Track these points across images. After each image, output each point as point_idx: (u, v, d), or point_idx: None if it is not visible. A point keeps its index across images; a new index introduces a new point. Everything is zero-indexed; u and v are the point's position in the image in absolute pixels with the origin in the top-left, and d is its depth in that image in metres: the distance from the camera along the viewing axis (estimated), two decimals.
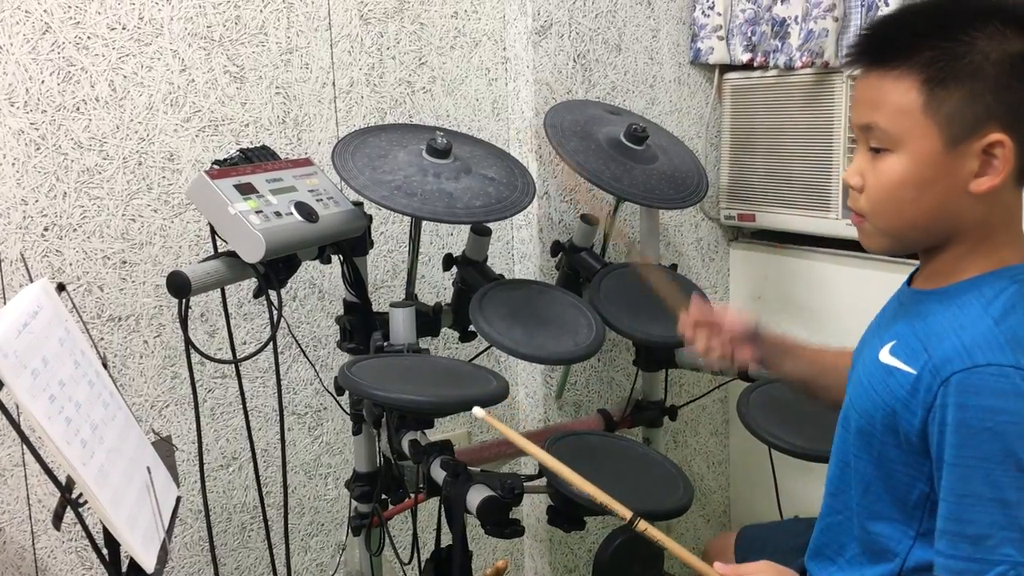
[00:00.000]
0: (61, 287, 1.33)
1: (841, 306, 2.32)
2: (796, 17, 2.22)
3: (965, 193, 1.06)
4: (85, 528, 1.17)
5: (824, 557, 1.26)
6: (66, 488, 1.15)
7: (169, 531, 1.28)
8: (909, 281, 1.22)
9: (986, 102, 1.03)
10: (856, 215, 1.16)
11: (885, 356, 1.12)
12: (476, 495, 1.49)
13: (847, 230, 2.22)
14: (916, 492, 1.11)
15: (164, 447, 1.47)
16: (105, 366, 1.36)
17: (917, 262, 1.20)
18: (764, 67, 2.36)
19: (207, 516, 1.71)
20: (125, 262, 1.94)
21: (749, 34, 2.35)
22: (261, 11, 2.02)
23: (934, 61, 1.04)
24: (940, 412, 1.03)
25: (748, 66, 2.40)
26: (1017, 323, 1.04)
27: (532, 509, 2.41)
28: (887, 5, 2.02)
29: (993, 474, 1.00)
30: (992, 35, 1.03)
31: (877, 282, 2.13)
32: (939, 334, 1.06)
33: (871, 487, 1.16)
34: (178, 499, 1.39)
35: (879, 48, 1.09)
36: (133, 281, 1.95)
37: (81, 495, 1.13)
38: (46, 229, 1.86)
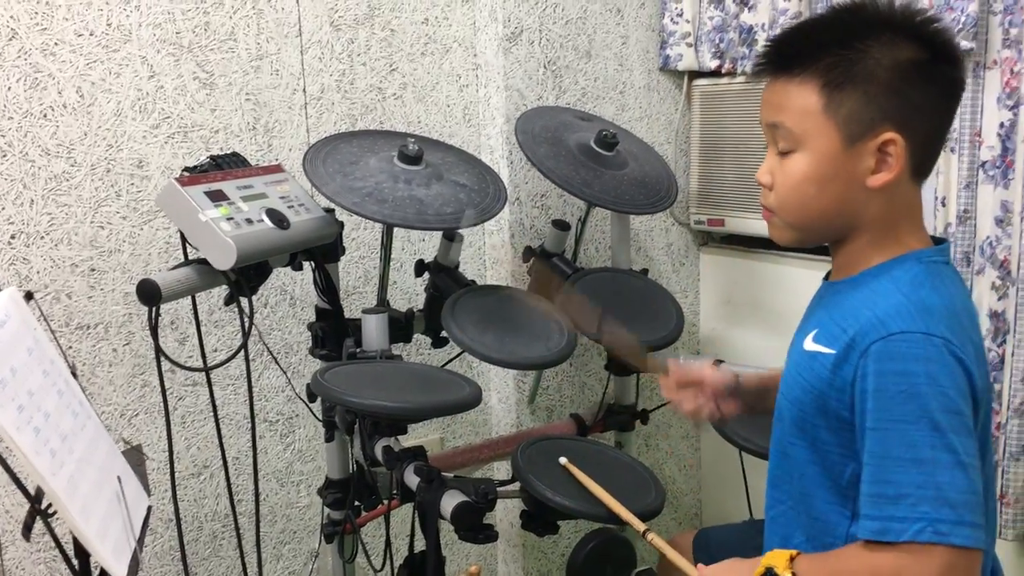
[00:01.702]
0: (29, 295, 1.32)
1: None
2: (763, 24, 2.25)
3: (863, 188, 1.16)
4: (55, 538, 1.16)
5: (774, 527, 1.31)
6: (35, 498, 1.14)
7: (140, 541, 1.27)
8: (826, 277, 1.31)
9: (879, 104, 1.12)
10: (766, 210, 1.25)
11: (808, 344, 1.20)
12: (450, 501, 1.49)
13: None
14: (848, 472, 1.16)
15: (134, 456, 1.46)
16: (74, 375, 1.34)
17: None
18: (732, 73, 2.38)
19: (178, 525, 1.69)
20: (94, 270, 1.92)
21: (717, 41, 2.38)
22: (231, 17, 2.01)
23: (833, 67, 1.13)
24: (861, 382, 1.10)
25: (716, 73, 2.42)
26: (926, 295, 1.12)
27: (505, 514, 2.42)
28: None
29: (909, 434, 1.06)
30: (885, 43, 1.12)
31: None
32: (854, 313, 1.14)
33: (807, 473, 1.21)
34: (149, 508, 1.38)
35: (784, 56, 1.19)
36: (102, 289, 1.93)
37: (51, 505, 1.12)
38: (13, 237, 1.84)
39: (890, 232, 1.18)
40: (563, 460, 1.61)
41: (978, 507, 1.06)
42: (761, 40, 2.25)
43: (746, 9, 2.28)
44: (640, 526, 1.41)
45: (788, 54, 1.18)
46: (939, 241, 1.22)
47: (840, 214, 1.18)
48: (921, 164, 1.17)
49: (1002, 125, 1.85)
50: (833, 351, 1.14)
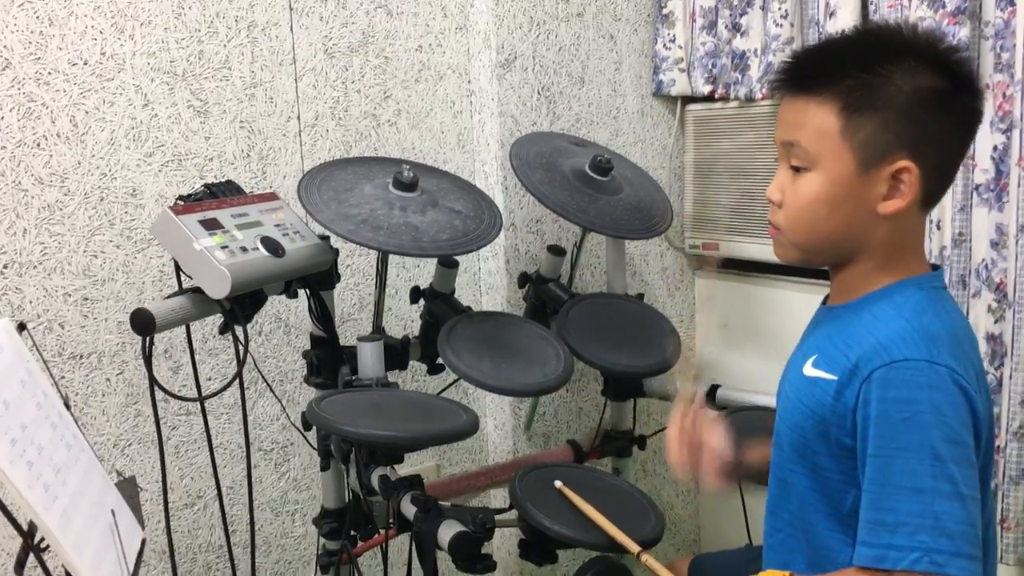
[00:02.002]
0: (22, 326, 1.30)
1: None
2: (755, 50, 2.26)
3: (873, 213, 1.15)
4: (47, 574, 1.14)
5: (773, 554, 1.29)
6: (28, 533, 1.12)
7: (134, 574, 1.25)
8: (824, 301, 1.30)
9: (896, 131, 1.11)
10: (773, 228, 1.23)
11: (808, 369, 1.19)
12: (447, 530, 1.48)
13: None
14: (849, 499, 1.15)
15: (128, 488, 1.44)
16: (67, 406, 1.33)
17: None
18: (725, 99, 2.39)
19: (172, 557, 1.68)
20: (87, 299, 1.91)
21: (710, 66, 2.39)
22: (225, 46, 2.02)
23: (853, 89, 1.12)
24: (864, 408, 1.09)
25: (709, 98, 2.43)
26: (929, 321, 1.11)
27: (503, 543, 2.40)
28: None
29: (910, 463, 1.05)
30: (906, 70, 1.11)
31: None
32: (856, 339, 1.13)
33: (807, 500, 1.20)
34: (143, 541, 1.36)
35: (804, 75, 1.18)
36: (95, 318, 1.92)
37: (43, 540, 1.10)
38: (5, 266, 1.83)
39: (893, 259, 1.17)
40: (558, 483, 1.60)
41: (975, 539, 1.05)
42: (754, 66, 2.26)
43: (738, 35, 2.29)
44: (634, 548, 1.40)
45: (809, 73, 1.17)
46: (933, 268, 1.22)
47: (847, 237, 1.17)
48: (932, 193, 1.17)
49: (996, 148, 1.85)
50: (835, 377, 1.13)
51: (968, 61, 1.18)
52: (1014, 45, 1.81)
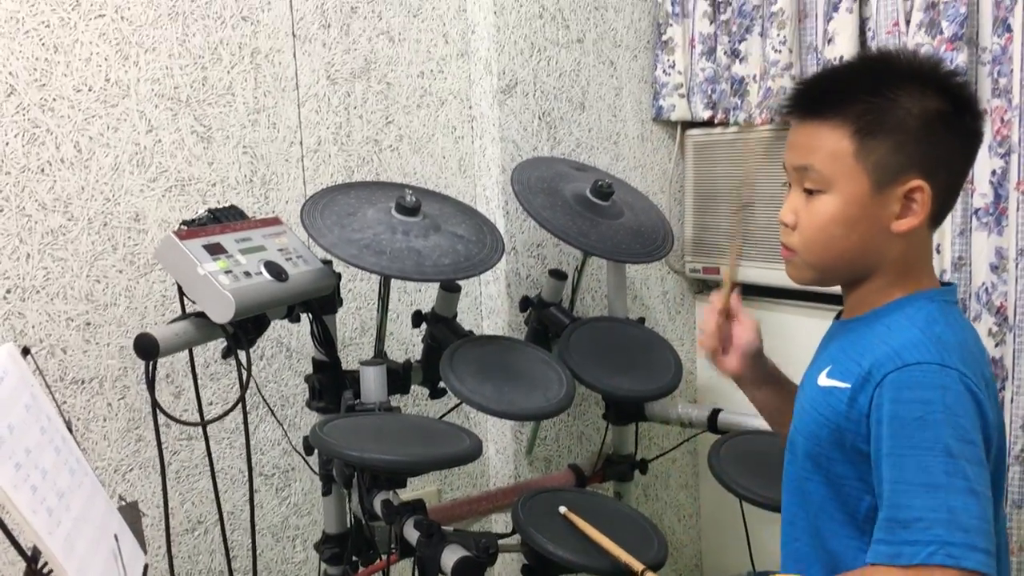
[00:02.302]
0: (26, 351, 1.31)
1: (804, 356, 2.32)
2: (754, 76, 2.28)
3: (887, 232, 1.18)
4: None
5: (790, 563, 1.29)
6: (32, 558, 1.12)
7: None
8: (837, 317, 1.33)
9: (908, 152, 1.15)
10: (787, 250, 1.26)
11: (823, 380, 1.21)
12: (451, 555, 1.47)
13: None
14: (864, 505, 1.16)
15: (130, 513, 1.44)
16: (70, 430, 1.33)
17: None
18: (725, 124, 2.41)
19: None
20: (89, 323, 1.91)
21: (709, 92, 2.41)
22: (228, 72, 2.03)
23: (864, 113, 1.16)
24: (877, 411, 1.11)
25: (709, 123, 2.45)
26: (941, 330, 1.14)
27: (504, 568, 2.39)
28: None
29: (924, 460, 1.07)
30: (913, 93, 1.15)
31: None
32: (869, 348, 1.16)
33: (824, 507, 1.21)
34: (145, 567, 1.36)
35: (814, 100, 1.21)
36: (97, 343, 1.92)
37: (47, 565, 1.10)
38: (8, 291, 1.83)
39: (905, 274, 1.20)
40: (563, 509, 1.60)
41: (990, 535, 1.06)
42: (753, 91, 2.28)
43: (737, 61, 2.31)
44: (638, 566, 1.41)
45: (819, 98, 1.20)
46: (945, 284, 1.25)
47: (862, 256, 1.20)
48: (940, 211, 1.20)
49: (994, 172, 1.87)
50: (848, 384, 1.16)
51: (968, 84, 1.22)
52: (1011, 71, 1.83)
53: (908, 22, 1.96)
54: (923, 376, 1.09)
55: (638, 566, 1.41)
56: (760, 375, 1.45)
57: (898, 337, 1.14)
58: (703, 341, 1.44)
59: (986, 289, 1.90)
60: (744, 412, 2.02)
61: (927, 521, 1.05)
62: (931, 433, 1.07)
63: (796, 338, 2.38)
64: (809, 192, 1.20)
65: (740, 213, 1.71)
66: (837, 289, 1.30)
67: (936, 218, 1.20)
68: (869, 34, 2.07)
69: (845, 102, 1.17)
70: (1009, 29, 1.83)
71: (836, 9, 2.09)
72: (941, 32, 1.89)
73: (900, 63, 1.19)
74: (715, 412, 2.04)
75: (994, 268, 1.89)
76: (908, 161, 1.15)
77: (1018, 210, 1.83)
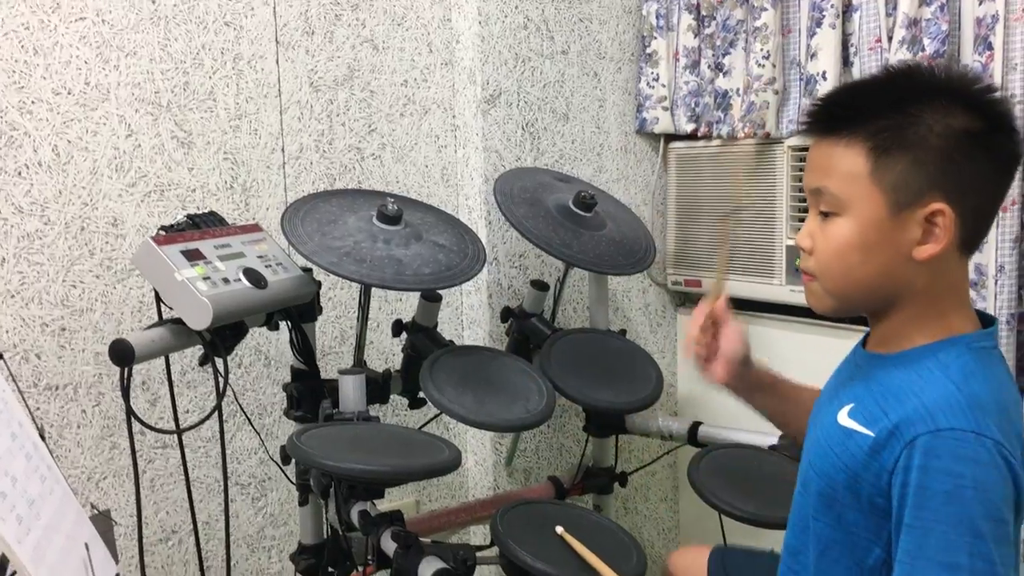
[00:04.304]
0: None
1: (785, 370, 2.33)
2: (738, 89, 2.29)
3: (908, 259, 1.09)
4: None
5: None
6: (0, 567, 1.10)
7: None
8: (863, 343, 1.24)
9: (928, 172, 1.07)
10: (806, 275, 1.19)
11: (843, 419, 1.13)
12: (428, 567, 1.45)
13: (791, 296, 2.26)
14: (873, 556, 1.11)
15: (102, 522, 1.42)
16: (42, 437, 1.31)
17: (861, 327, 1.23)
18: (708, 137, 2.41)
19: None
20: (64, 329, 1.89)
21: (693, 105, 2.41)
22: (210, 77, 2.02)
23: (881, 131, 1.08)
24: (903, 474, 1.04)
25: (692, 136, 2.45)
26: (978, 388, 1.06)
27: None
28: (825, 79, 2.09)
29: (948, 537, 1.01)
30: (939, 110, 1.07)
31: (821, 347, 2.17)
32: (899, 397, 1.08)
33: (829, 549, 1.16)
34: None
35: (831, 117, 1.14)
36: (72, 349, 1.90)
37: (15, 573, 1.08)
38: None
39: (934, 308, 1.12)
40: (560, 529, 1.59)
41: None
42: (736, 105, 2.29)
43: (721, 74, 2.32)
44: None
45: (836, 115, 1.13)
46: (985, 319, 1.16)
47: (884, 285, 1.12)
48: (970, 238, 1.11)
49: None
50: (872, 433, 1.08)
51: (1005, 100, 1.12)
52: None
53: (891, 39, 1.98)
54: (956, 445, 1.02)
55: None
56: (750, 382, 1.39)
57: (931, 393, 1.06)
58: (689, 348, 1.38)
59: None
60: (724, 426, 2.02)
61: None
62: (959, 509, 1.01)
63: (780, 353, 2.39)
64: (825, 215, 1.13)
65: (727, 221, 1.65)
66: None
67: (966, 245, 1.11)
68: (852, 50, 2.08)
69: (863, 119, 1.09)
70: (990, 47, 1.84)
71: (819, 25, 2.10)
72: (923, 49, 1.90)
73: (926, 78, 1.11)
74: (695, 425, 2.04)
75: (974, 285, 1.90)
76: (928, 182, 1.06)
77: (998, 227, 1.84)
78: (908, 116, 1.07)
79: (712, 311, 1.36)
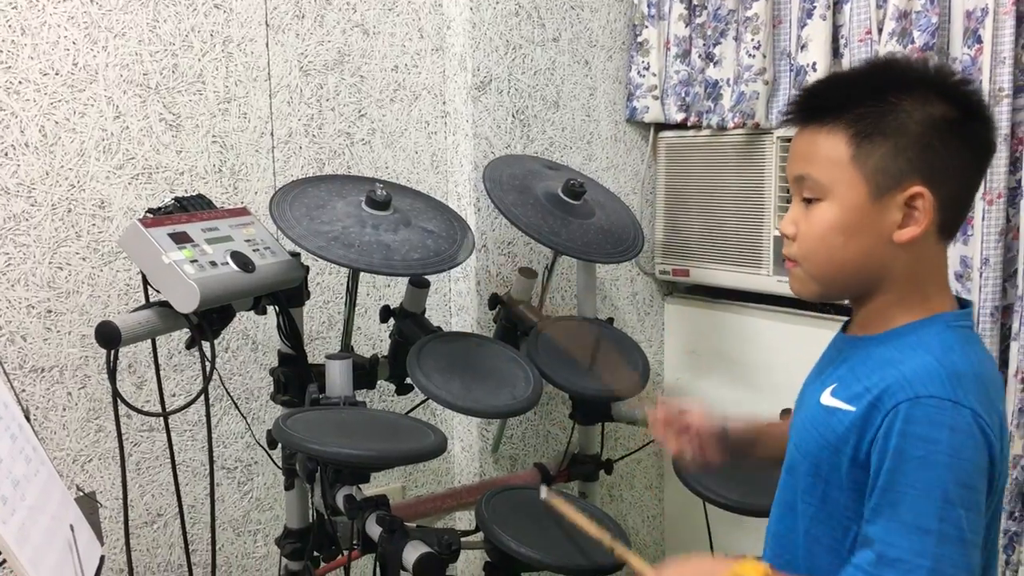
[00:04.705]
0: None
1: (772, 360, 2.36)
2: (728, 79, 2.29)
3: (889, 242, 1.13)
4: None
5: None
6: None
7: None
8: (844, 329, 1.27)
9: (908, 157, 1.11)
10: (789, 261, 1.22)
11: (827, 399, 1.17)
12: (412, 552, 1.46)
13: (778, 286, 2.27)
14: (852, 533, 1.14)
15: (88, 504, 1.42)
16: (28, 419, 1.30)
17: (845, 318, 1.25)
18: (698, 126, 2.42)
19: (130, 575, 1.64)
20: (50, 311, 1.88)
21: (683, 95, 2.41)
22: (199, 60, 2.01)
23: (862, 117, 1.12)
24: (883, 440, 1.08)
25: (682, 125, 2.46)
26: (958, 361, 1.10)
27: (467, 565, 2.38)
28: (815, 70, 2.10)
29: (919, 502, 1.04)
30: (917, 99, 1.12)
31: (807, 337, 2.18)
32: (879, 372, 1.11)
33: (812, 530, 1.19)
34: (102, 558, 1.34)
35: (814, 106, 1.18)
36: (58, 331, 1.89)
37: (0, 555, 1.08)
38: None
39: (916, 291, 1.16)
40: (544, 495, 1.59)
41: None
42: (726, 95, 2.29)
43: (711, 64, 2.32)
44: (608, 543, 1.42)
45: (818, 104, 1.17)
46: (963, 303, 1.20)
47: (866, 268, 1.16)
48: (948, 223, 1.16)
49: None
50: (854, 409, 1.12)
51: (978, 92, 1.17)
52: (980, 81, 1.85)
53: (880, 30, 1.98)
54: (934, 413, 1.05)
55: (608, 543, 1.42)
56: (742, 444, 1.42)
57: (911, 363, 1.09)
58: (681, 459, 1.43)
59: None
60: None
61: (910, 564, 1.03)
62: (932, 475, 1.04)
63: (767, 343, 2.42)
64: (808, 201, 1.17)
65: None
66: None
67: (945, 230, 1.15)
68: (842, 41, 2.09)
69: (844, 107, 1.13)
70: (980, 40, 1.85)
71: (810, 16, 2.10)
72: (913, 41, 1.91)
73: (905, 69, 1.15)
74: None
75: (959, 277, 1.91)
76: (908, 167, 1.11)
77: (983, 220, 1.85)
78: (888, 104, 1.12)
79: (666, 416, 1.41)
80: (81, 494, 1.49)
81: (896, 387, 1.08)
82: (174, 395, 2.02)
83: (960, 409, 1.05)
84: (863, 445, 1.10)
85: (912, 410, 1.06)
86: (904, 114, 1.11)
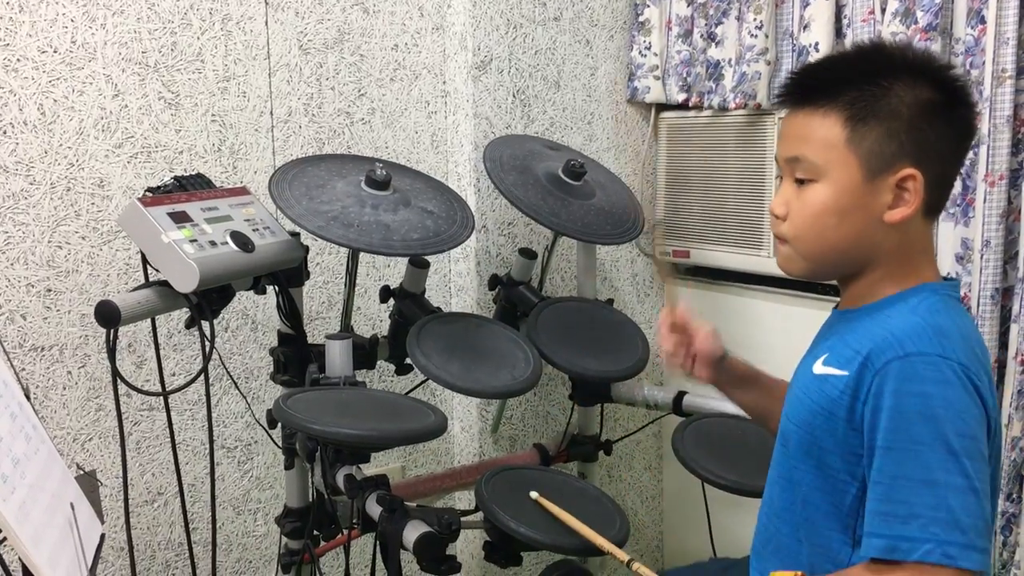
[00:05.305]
0: None
1: (772, 342, 2.35)
2: (730, 60, 2.28)
3: (880, 222, 1.17)
4: (4, 567, 1.12)
5: (773, 559, 1.28)
6: None
7: (92, 570, 1.23)
8: (836, 307, 1.31)
9: (900, 140, 1.15)
10: (779, 240, 1.25)
11: (818, 368, 1.20)
12: (413, 531, 1.47)
13: (778, 268, 2.26)
14: (850, 496, 1.16)
15: (88, 482, 1.42)
16: (28, 398, 1.31)
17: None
18: (699, 107, 2.41)
19: (131, 553, 1.65)
20: (50, 290, 1.88)
21: (685, 75, 2.40)
22: (198, 38, 2.00)
23: (857, 101, 1.16)
24: (875, 399, 1.10)
25: (683, 106, 2.44)
26: (943, 321, 1.13)
27: (467, 545, 2.39)
28: (817, 50, 2.09)
29: (924, 456, 1.06)
30: (906, 84, 1.16)
31: (806, 318, 2.17)
32: (868, 334, 1.15)
33: (811, 499, 1.20)
34: (102, 536, 1.34)
35: (808, 88, 1.21)
36: (58, 310, 1.89)
37: (0, 532, 1.08)
38: None
39: (903, 266, 1.19)
40: (534, 495, 1.60)
41: (987, 533, 1.07)
42: (728, 75, 2.28)
43: (713, 44, 2.30)
44: (623, 556, 1.41)
45: (812, 87, 1.20)
46: (948, 280, 1.24)
47: (856, 247, 1.19)
48: (935, 202, 1.20)
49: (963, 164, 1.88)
50: (846, 372, 1.14)
51: (961, 77, 1.21)
52: (983, 62, 1.84)
53: (883, 10, 1.97)
54: (924, 368, 1.08)
55: (623, 556, 1.41)
56: (732, 378, 1.45)
57: (899, 323, 1.13)
58: (669, 361, 1.45)
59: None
60: (709, 395, 2.03)
61: (926, 519, 1.05)
62: (931, 428, 1.06)
63: (765, 323, 2.42)
64: (801, 182, 1.19)
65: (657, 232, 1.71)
66: None
67: (932, 209, 1.19)
68: (845, 22, 2.07)
69: (838, 90, 1.16)
70: (983, 21, 1.84)
71: None
72: (916, 21, 1.90)
73: (894, 54, 1.19)
74: (680, 395, 2.05)
75: (959, 258, 1.91)
76: (900, 149, 1.14)
77: (985, 201, 1.84)
78: (881, 88, 1.15)
79: (675, 320, 1.43)
80: (81, 473, 1.49)
81: (884, 345, 1.11)
82: (174, 374, 2.03)
83: (948, 362, 1.08)
84: (857, 406, 1.13)
85: (902, 367, 1.09)
86: (896, 98, 1.15)
